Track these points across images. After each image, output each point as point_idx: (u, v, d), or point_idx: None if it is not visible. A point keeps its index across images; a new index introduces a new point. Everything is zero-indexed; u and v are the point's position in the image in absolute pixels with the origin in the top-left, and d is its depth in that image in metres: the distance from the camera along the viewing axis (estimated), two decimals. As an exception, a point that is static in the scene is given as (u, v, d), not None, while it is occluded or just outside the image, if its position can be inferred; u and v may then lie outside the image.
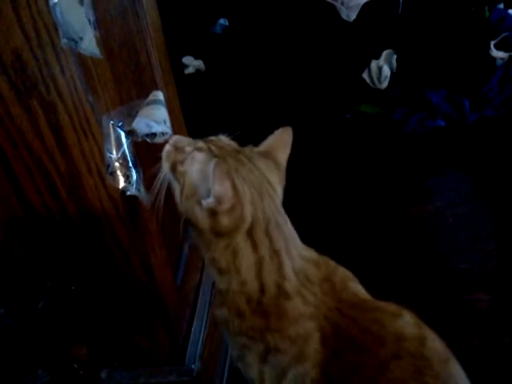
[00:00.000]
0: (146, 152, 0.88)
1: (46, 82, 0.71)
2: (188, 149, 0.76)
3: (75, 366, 0.99)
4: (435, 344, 0.71)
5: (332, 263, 0.81)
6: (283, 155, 0.81)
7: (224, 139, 0.81)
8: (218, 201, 0.68)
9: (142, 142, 0.83)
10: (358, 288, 0.80)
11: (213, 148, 0.76)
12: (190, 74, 2.55)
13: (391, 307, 0.75)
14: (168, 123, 0.84)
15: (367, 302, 0.78)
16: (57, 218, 0.84)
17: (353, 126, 2.39)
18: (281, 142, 0.81)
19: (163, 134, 0.83)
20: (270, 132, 0.83)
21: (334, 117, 2.43)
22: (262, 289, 0.73)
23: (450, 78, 2.33)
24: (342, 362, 0.69)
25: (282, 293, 0.73)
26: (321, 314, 0.72)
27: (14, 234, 0.83)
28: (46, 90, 0.72)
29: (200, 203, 0.71)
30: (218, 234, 0.72)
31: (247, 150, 0.79)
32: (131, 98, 0.93)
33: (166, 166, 0.79)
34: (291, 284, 0.73)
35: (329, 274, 0.78)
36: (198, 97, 2.37)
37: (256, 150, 0.80)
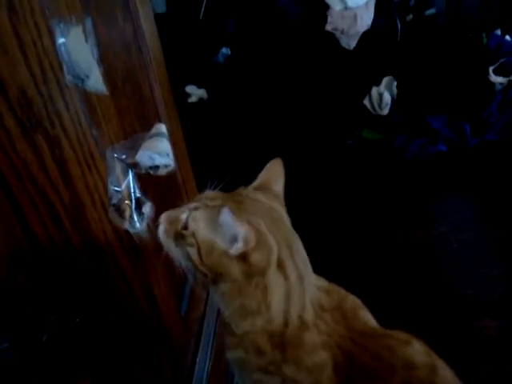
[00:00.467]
0: (151, 184, 0.89)
1: (51, 118, 0.73)
2: (183, 216, 0.76)
3: (79, 399, 0.97)
4: (445, 373, 0.71)
5: (342, 291, 0.82)
6: (278, 186, 0.83)
7: (211, 193, 0.81)
8: (246, 242, 0.68)
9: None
10: (367, 316, 0.80)
11: (207, 202, 0.76)
12: (193, 103, 2.59)
13: (401, 335, 0.75)
14: (171, 155, 0.86)
15: (377, 329, 0.79)
16: (61, 250, 0.84)
17: (355, 152, 2.41)
18: (273, 174, 0.84)
19: (166, 166, 0.84)
20: (272, 157, 0.85)
21: (335, 143, 2.45)
22: (287, 322, 0.74)
23: (450, 104, 2.35)
24: None
25: (302, 324, 0.74)
26: (333, 342, 0.73)
27: (19, 266, 0.83)
28: (51, 125, 0.73)
29: (226, 253, 0.71)
30: (251, 275, 0.72)
31: (241, 190, 0.81)
32: (135, 131, 0.94)
33: (169, 243, 0.78)
34: (309, 314, 0.74)
35: (339, 302, 0.79)
36: (201, 125, 2.40)
37: (250, 187, 0.82)
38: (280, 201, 0.82)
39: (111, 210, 0.80)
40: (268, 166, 0.84)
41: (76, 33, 0.65)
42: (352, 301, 0.81)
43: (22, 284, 0.84)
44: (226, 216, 0.68)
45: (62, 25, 0.65)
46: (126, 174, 0.81)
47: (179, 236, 0.76)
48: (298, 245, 0.78)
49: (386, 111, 2.39)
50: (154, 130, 0.87)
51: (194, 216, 0.75)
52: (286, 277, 0.73)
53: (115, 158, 0.79)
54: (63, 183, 0.78)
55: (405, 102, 2.40)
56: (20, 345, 0.84)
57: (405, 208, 2.05)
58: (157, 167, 0.84)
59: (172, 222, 0.77)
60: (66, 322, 0.90)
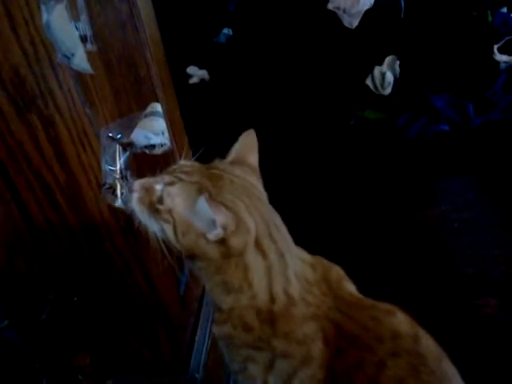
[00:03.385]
0: (147, 163, 0.89)
1: (44, 97, 0.73)
2: (158, 186, 0.73)
3: (80, 376, 0.99)
4: (429, 342, 0.72)
5: (325, 262, 0.82)
6: (254, 158, 0.81)
7: (186, 163, 0.78)
8: (224, 228, 0.67)
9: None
10: (351, 286, 0.81)
11: (182, 177, 0.73)
12: (194, 84, 2.57)
13: (385, 305, 0.76)
14: (166, 134, 0.86)
15: (362, 300, 0.79)
16: (58, 230, 0.85)
17: (357, 132, 2.39)
18: (247, 146, 0.81)
19: (162, 145, 0.84)
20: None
21: (337, 123, 2.43)
22: (272, 298, 0.73)
23: (453, 83, 2.32)
24: (345, 360, 0.70)
25: (289, 299, 0.73)
26: (322, 313, 0.73)
27: (17, 247, 0.84)
28: (45, 104, 0.73)
29: (203, 236, 0.69)
30: (229, 256, 0.71)
31: (217, 163, 0.78)
32: (131, 110, 0.94)
33: (143, 212, 0.74)
34: (295, 288, 0.74)
35: (324, 274, 0.79)
36: (202, 106, 2.39)
37: (226, 160, 0.80)
38: (256, 174, 0.80)
39: (104, 189, 0.80)
40: (241, 138, 0.82)
41: (60, 10, 0.65)
42: (336, 271, 0.81)
43: (20, 264, 0.85)
44: (202, 205, 0.66)
45: (51, 2, 0.65)
46: (119, 154, 0.81)
47: (154, 209, 0.73)
48: (276, 220, 0.76)
49: (388, 91, 2.37)
50: (149, 109, 0.87)
51: (170, 191, 0.71)
52: (264, 255, 0.72)
53: (110, 136, 0.79)
54: (58, 163, 0.79)
55: (408, 81, 2.37)
56: (20, 323, 0.86)
57: (407, 187, 2.04)
58: (152, 146, 0.84)
59: (147, 190, 0.74)
60: (64, 300, 0.91)
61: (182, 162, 0.79)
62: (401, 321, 0.73)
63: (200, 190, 0.69)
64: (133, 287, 0.94)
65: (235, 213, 0.68)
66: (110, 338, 1.01)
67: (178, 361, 1.07)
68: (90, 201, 0.83)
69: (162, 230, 0.73)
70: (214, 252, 0.70)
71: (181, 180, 0.72)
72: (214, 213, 0.65)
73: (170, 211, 0.71)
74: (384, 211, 1.95)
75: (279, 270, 0.73)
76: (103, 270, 0.91)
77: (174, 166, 0.77)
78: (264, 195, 0.78)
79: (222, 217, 0.66)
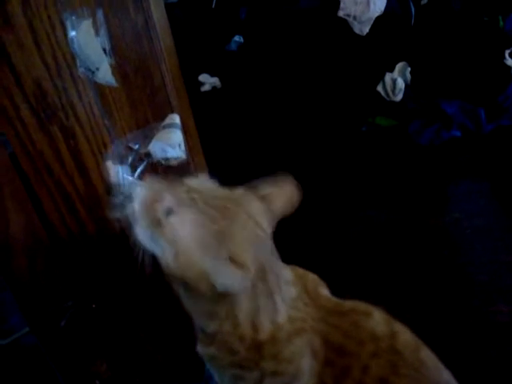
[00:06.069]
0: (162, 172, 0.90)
1: (65, 109, 0.75)
2: (168, 198, 0.66)
3: (97, 382, 1.00)
4: (405, 337, 0.74)
5: (300, 271, 0.82)
6: (282, 209, 0.75)
7: (204, 183, 0.72)
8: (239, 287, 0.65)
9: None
10: (326, 291, 0.81)
11: (199, 203, 0.66)
12: (206, 92, 2.59)
13: (361, 307, 0.77)
14: (182, 147, 0.87)
15: (340, 304, 0.79)
16: (77, 238, 0.87)
17: (368, 139, 2.40)
18: (285, 197, 0.76)
19: (177, 157, 0.86)
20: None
21: (349, 130, 2.44)
22: (257, 329, 0.72)
23: (464, 89, 2.32)
24: (333, 369, 0.71)
25: (275, 325, 0.72)
26: (308, 326, 0.73)
27: (38, 254, 0.85)
28: (65, 116, 0.75)
29: (208, 278, 0.64)
30: (221, 295, 0.67)
31: (234, 193, 0.72)
32: (147, 120, 0.96)
33: (144, 221, 0.68)
34: (282, 315, 0.73)
35: (303, 285, 0.79)
36: (214, 114, 2.41)
37: (248, 193, 0.73)
38: (272, 216, 0.73)
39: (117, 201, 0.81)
40: (286, 188, 0.76)
41: (86, 26, 0.67)
42: (312, 279, 0.81)
43: (40, 272, 0.86)
44: (232, 274, 0.63)
45: (73, 17, 0.67)
46: (137, 165, 0.82)
47: (156, 223, 0.66)
48: (272, 261, 0.73)
49: (399, 97, 2.37)
50: (167, 121, 0.89)
51: (182, 216, 0.66)
52: (254, 297, 0.70)
53: (128, 147, 0.81)
54: (78, 173, 0.81)
55: (419, 87, 2.38)
56: (39, 329, 0.87)
57: (419, 194, 2.05)
58: (168, 158, 0.86)
59: (153, 201, 0.66)
60: (82, 307, 0.92)
61: (198, 179, 0.72)
62: (377, 322, 0.75)
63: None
64: (149, 295, 0.95)
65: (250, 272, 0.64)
66: (127, 344, 1.03)
67: (193, 368, 1.08)
68: (108, 209, 0.85)
69: (159, 249, 0.68)
70: (207, 289, 0.66)
71: (194, 201, 0.67)
72: (236, 282, 0.63)
73: (174, 239, 0.66)
74: (396, 218, 1.95)
75: (267, 307, 0.72)
76: (120, 278, 0.92)
77: (192, 182, 0.71)
78: (267, 235, 0.72)
79: (242, 281, 0.63)
